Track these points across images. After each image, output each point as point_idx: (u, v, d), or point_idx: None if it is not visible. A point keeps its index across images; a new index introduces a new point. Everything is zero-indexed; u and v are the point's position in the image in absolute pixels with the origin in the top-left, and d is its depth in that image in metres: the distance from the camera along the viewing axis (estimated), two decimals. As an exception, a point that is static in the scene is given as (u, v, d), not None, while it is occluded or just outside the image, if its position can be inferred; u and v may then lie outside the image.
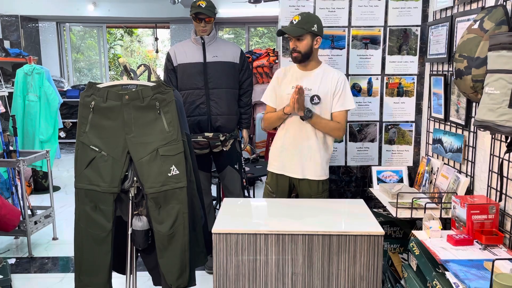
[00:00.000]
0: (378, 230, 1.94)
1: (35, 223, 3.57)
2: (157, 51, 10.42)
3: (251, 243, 1.94)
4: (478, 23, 1.87)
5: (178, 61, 2.98)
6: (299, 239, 1.93)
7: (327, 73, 2.48)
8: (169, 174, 2.14)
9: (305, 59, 2.44)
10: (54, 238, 3.82)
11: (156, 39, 9.87)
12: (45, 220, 3.72)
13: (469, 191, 2.22)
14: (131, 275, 2.36)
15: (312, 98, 2.44)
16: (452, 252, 1.76)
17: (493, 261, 1.51)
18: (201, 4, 2.87)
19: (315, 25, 2.40)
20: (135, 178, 2.19)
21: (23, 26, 7.22)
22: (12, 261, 3.40)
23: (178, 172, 2.15)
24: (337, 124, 2.46)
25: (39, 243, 3.74)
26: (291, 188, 2.60)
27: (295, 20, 2.40)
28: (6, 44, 6.52)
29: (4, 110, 4.54)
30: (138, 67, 2.40)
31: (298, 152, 2.49)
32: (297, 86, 2.31)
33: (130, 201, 2.26)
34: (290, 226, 1.99)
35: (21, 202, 3.58)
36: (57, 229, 3.87)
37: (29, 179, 5.18)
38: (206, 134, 2.94)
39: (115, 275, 2.35)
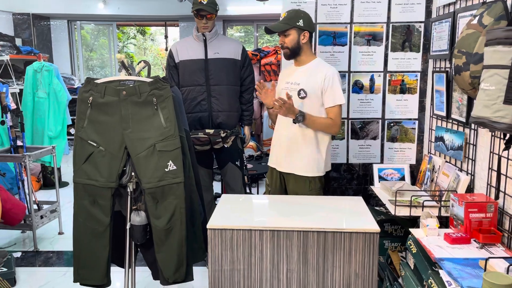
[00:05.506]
0: (374, 227, 1.92)
1: (41, 217, 3.63)
2: (166, 49, 10.45)
3: (246, 239, 1.93)
4: (477, 18, 1.84)
5: (180, 57, 2.99)
6: (294, 236, 1.92)
7: (318, 68, 2.45)
8: (166, 170, 2.15)
9: (294, 54, 2.46)
10: (60, 233, 3.87)
11: (166, 37, 9.90)
12: (51, 214, 3.77)
13: (470, 189, 2.18)
14: (130, 269, 2.37)
15: (298, 92, 2.44)
16: (448, 251, 1.73)
17: (486, 259, 1.49)
18: (202, 1, 2.87)
19: (301, 20, 2.40)
20: (133, 173, 2.21)
21: (35, 24, 7.32)
22: (18, 254, 3.45)
23: (175, 167, 2.16)
24: (330, 120, 2.41)
25: (45, 237, 3.79)
26: (283, 182, 2.60)
27: (281, 18, 2.46)
28: (18, 41, 6.62)
29: (15, 107, 4.61)
30: (138, 63, 2.41)
31: (285, 146, 2.51)
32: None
33: (129, 196, 2.28)
34: (285, 223, 1.99)
35: (27, 197, 3.64)
36: (63, 224, 3.91)
37: (38, 175, 5.26)
38: (207, 130, 2.94)
39: (114, 270, 2.37)
